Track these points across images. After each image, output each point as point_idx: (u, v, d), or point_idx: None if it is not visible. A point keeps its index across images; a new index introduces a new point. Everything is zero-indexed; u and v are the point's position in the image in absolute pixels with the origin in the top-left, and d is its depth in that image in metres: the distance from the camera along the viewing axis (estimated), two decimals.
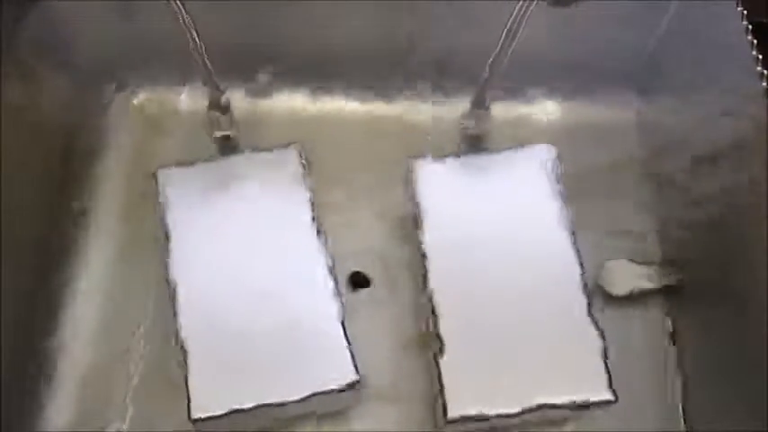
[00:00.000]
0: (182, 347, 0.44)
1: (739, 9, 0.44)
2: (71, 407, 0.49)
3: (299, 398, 0.43)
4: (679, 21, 0.52)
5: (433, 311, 0.45)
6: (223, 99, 0.51)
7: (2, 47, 0.46)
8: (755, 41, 0.43)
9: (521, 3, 0.40)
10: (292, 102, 0.59)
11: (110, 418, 0.49)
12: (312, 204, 0.48)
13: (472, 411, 0.43)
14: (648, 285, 0.52)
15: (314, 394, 0.43)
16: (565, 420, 0.48)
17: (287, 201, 0.48)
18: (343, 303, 0.45)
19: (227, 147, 0.52)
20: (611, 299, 0.52)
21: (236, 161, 0.50)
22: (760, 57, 0.42)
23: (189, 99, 0.59)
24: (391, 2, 0.53)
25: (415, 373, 0.49)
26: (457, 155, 0.50)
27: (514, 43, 0.42)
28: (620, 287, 0.52)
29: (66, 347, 0.51)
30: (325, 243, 0.47)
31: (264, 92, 0.59)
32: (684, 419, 0.49)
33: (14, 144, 0.47)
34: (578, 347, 0.44)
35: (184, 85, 0.59)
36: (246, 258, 0.46)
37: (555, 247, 0.46)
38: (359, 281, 0.53)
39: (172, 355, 0.45)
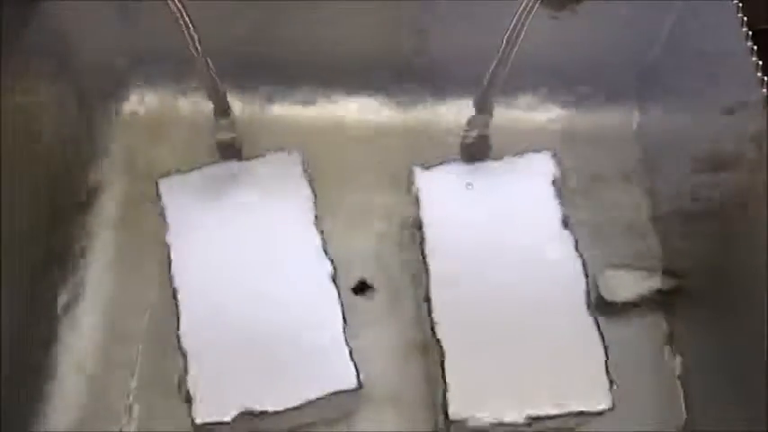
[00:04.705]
0: (183, 352, 0.44)
1: (739, 16, 0.44)
2: (71, 408, 0.49)
3: (301, 403, 0.43)
4: (679, 28, 0.53)
5: (435, 317, 0.45)
6: (224, 104, 0.51)
7: (2, 51, 0.46)
8: (756, 48, 0.43)
9: (522, 6, 0.40)
10: (293, 107, 0.59)
11: (110, 419, 0.49)
12: (313, 210, 0.48)
13: (473, 417, 0.43)
14: (648, 292, 0.52)
15: (315, 399, 0.43)
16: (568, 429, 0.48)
17: (288, 206, 0.48)
18: (344, 308, 0.45)
19: (229, 152, 0.52)
20: (611, 305, 0.52)
21: (237, 166, 0.50)
22: (760, 63, 0.42)
23: (190, 104, 0.59)
24: (392, 7, 0.53)
25: (417, 378, 0.49)
26: (458, 161, 0.50)
27: (515, 49, 0.42)
28: (620, 294, 0.52)
29: (66, 349, 0.51)
30: (327, 248, 0.47)
31: (265, 97, 0.59)
32: (685, 423, 0.49)
33: (14, 148, 0.47)
34: (579, 354, 0.44)
35: (185, 90, 0.59)
36: (248, 264, 0.46)
37: (556, 254, 0.47)
38: (361, 286, 0.53)
39: (173, 358, 0.45)
